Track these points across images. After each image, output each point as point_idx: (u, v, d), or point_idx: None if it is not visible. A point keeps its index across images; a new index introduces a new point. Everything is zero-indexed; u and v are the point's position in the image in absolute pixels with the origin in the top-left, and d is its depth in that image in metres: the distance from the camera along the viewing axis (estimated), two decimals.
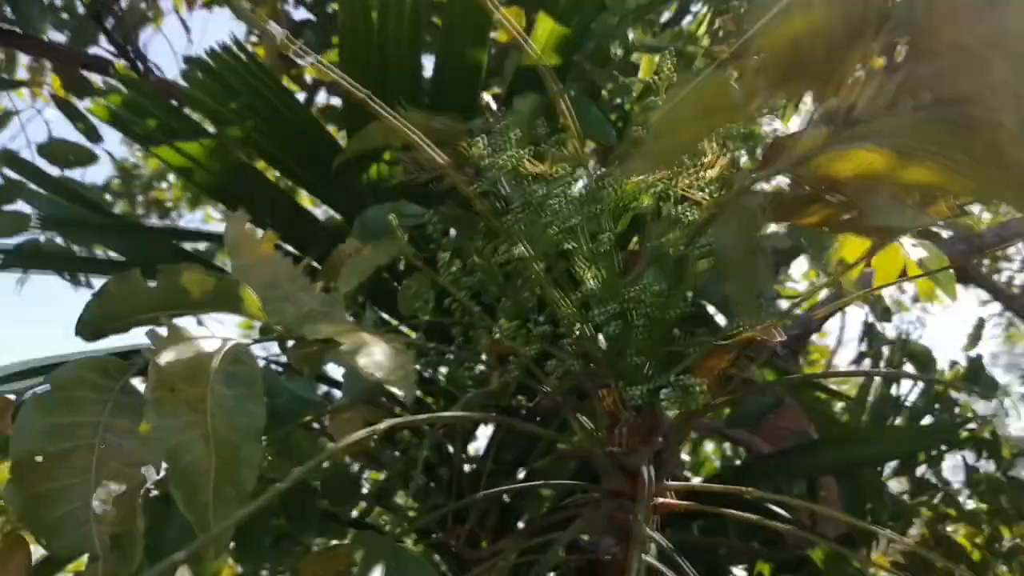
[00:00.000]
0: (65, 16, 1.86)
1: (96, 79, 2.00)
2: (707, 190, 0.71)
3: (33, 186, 1.38)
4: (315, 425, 1.03)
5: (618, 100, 1.32)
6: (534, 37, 1.21)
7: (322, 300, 0.79)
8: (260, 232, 0.82)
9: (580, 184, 0.74)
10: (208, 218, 3.21)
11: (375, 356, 0.65)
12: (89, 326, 0.77)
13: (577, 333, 0.76)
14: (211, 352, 0.66)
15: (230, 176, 1.27)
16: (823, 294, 1.43)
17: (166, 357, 0.62)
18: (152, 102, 1.22)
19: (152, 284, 0.73)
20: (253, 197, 1.28)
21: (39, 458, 0.62)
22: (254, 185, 1.32)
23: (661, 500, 0.75)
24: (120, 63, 2.01)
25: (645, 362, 0.72)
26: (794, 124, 1.11)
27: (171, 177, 2.88)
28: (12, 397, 0.73)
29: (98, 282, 1.43)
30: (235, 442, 0.62)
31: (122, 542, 0.61)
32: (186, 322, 0.73)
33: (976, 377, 1.61)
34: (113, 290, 0.74)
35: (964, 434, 1.54)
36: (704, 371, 0.73)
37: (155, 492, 0.88)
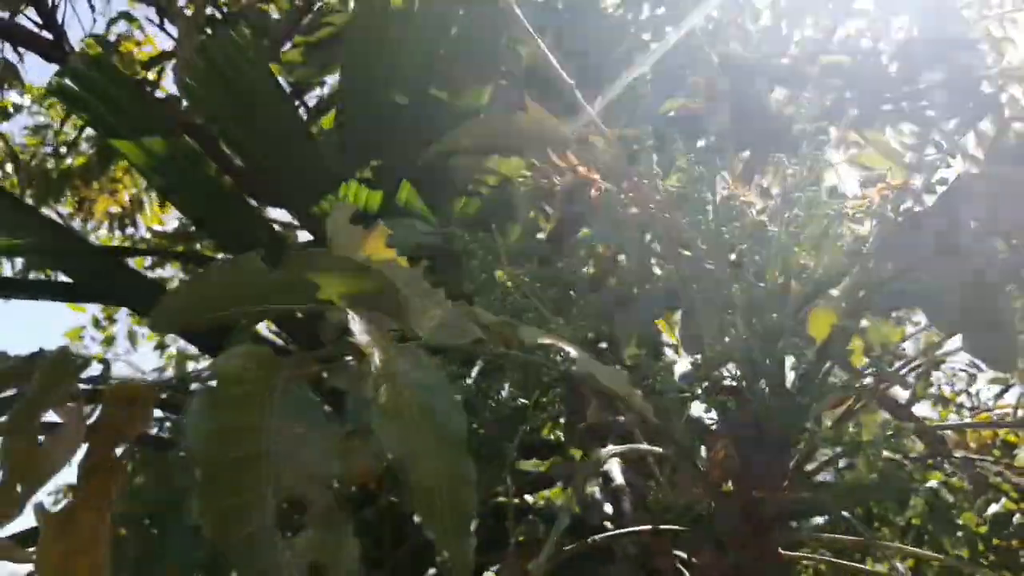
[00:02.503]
0: None
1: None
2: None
3: None
4: None
5: None
6: None
7: (442, 301, 0.72)
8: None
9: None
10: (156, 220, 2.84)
11: (598, 367, 0.60)
12: (176, 314, 0.65)
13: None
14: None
15: (191, 180, 1.14)
16: None
17: (386, 352, 0.54)
18: (123, 90, 1.07)
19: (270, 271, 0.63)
20: (213, 206, 1.16)
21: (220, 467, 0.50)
22: (213, 192, 1.19)
23: None
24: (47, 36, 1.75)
25: (809, 404, 0.71)
26: None
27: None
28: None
29: None
30: (451, 455, 0.54)
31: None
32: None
33: None
34: (217, 276, 0.64)
35: None
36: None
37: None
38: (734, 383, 0.77)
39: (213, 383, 0.53)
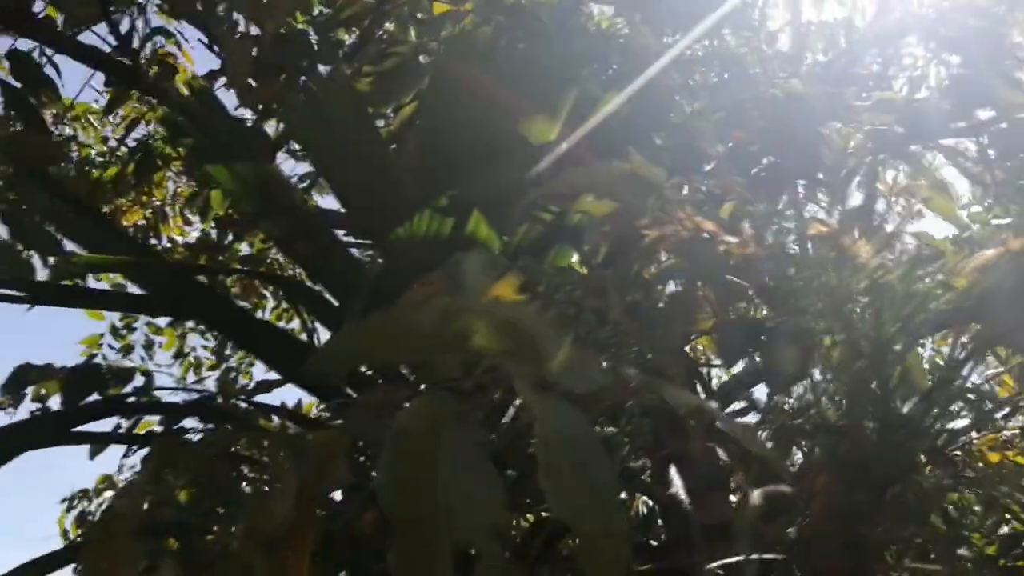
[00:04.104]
0: None
1: None
2: None
3: None
4: None
5: None
6: None
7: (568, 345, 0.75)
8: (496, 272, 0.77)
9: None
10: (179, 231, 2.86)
11: (737, 425, 0.63)
12: (337, 359, 0.68)
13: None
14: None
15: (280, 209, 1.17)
16: None
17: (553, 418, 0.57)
18: (221, 120, 1.10)
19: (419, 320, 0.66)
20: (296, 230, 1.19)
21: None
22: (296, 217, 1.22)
23: None
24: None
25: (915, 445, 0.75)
26: None
27: None
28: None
29: None
30: (604, 511, 0.57)
31: None
32: None
33: None
34: (376, 326, 0.67)
35: None
36: None
37: None
38: (841, 423, 0.81)
39: (396, 438, 0.56)
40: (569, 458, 0.57)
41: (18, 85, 1.72)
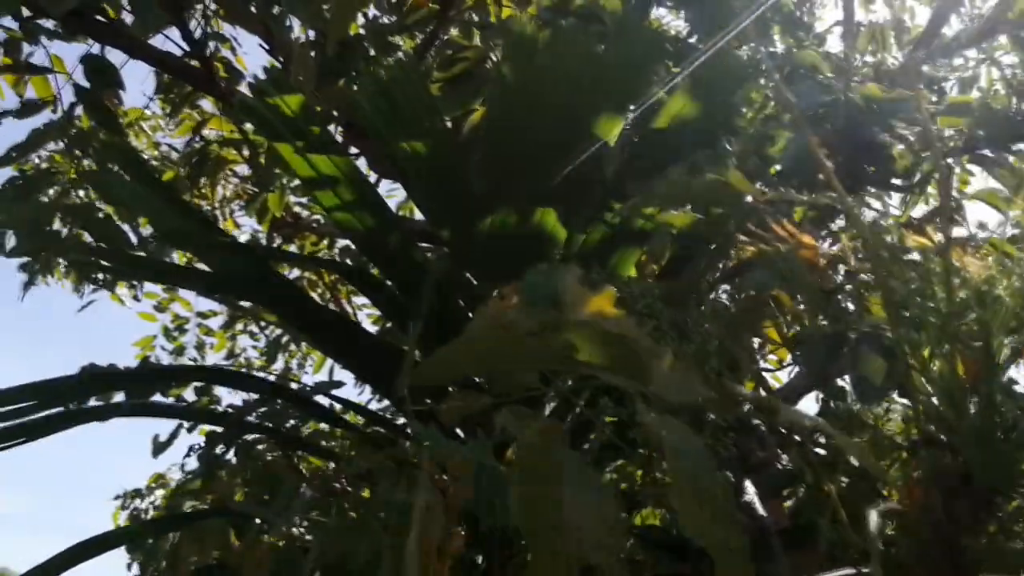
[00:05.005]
0: None
1: None
2: None
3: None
4: None
5: None
6: None
7: (669, 359, 0.75)
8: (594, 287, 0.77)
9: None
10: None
11: (849, 442, 0.63)
12: (442, 369, 0.69)
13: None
14: None
15: (356, 199, 1.18)
16: None
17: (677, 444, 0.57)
18: (294, 108, 1.12)
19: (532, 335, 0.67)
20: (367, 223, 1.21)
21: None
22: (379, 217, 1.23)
23: None
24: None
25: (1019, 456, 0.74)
26: None
27: None
28: None
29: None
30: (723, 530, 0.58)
31: None
32: None
33: None
34: (482, 337, 0.67)
35: None
36: None
37: None
38: (942, 434, 0.80)
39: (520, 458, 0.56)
40: (692, 484, 0.57)
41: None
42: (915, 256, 0.81)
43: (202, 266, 1.36)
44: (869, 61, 2.65)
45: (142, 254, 1.78)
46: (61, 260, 1.82)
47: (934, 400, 0.79)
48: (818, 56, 1.41)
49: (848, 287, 0.91)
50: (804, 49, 1.57)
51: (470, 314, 1.30)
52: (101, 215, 1.73)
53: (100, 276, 2.23)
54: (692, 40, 1.30)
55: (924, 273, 0.74)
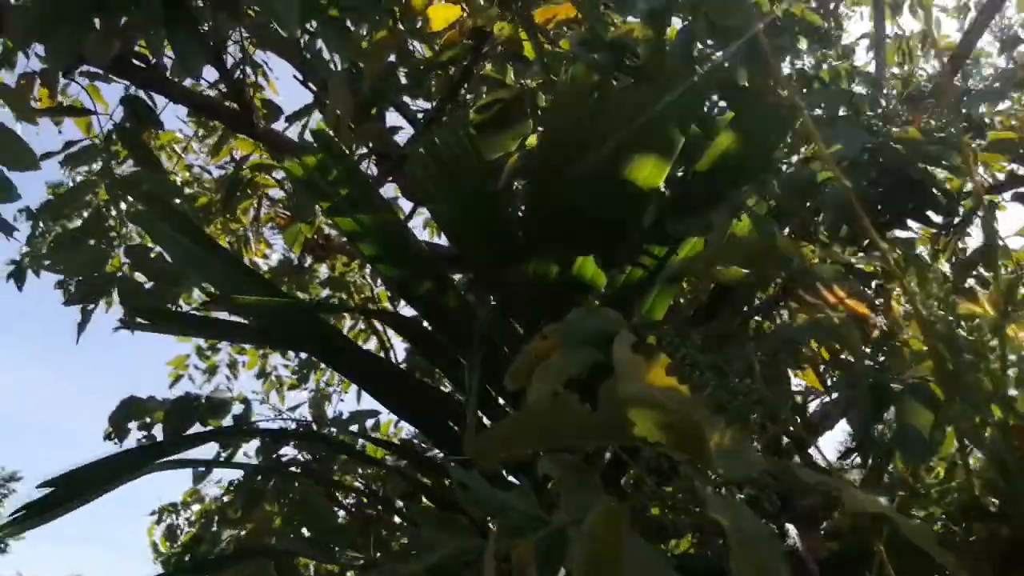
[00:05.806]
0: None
1: None
2: None
3: None
4: None
5: None
6: None
7: (722, 428, 0.75)
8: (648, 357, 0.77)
9: None
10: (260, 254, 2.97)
11: (906, 522, 0.63)
12: (501, 443, 0.69)
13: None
14: None
15: (399, 254, 1.19)
16: None
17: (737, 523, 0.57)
18: (341, 167, 1.13)
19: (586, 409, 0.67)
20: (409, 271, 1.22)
21: None
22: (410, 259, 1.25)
23: None
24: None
25: None
26: None
27: None
28: None
29: None
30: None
31: None
32: None
33: None
34: (542, 413, 0.68)
35: None
36: None
37: None
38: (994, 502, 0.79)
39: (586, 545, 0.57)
40: (752, 561, 0.58)
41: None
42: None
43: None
44: (897, 73, 2.63)
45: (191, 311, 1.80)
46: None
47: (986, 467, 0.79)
48: (848, 72, 1.41)
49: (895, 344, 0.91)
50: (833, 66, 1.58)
51: None
52: (153, 255, 1.76)
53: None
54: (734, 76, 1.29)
55: (978, 347, 0.74)
